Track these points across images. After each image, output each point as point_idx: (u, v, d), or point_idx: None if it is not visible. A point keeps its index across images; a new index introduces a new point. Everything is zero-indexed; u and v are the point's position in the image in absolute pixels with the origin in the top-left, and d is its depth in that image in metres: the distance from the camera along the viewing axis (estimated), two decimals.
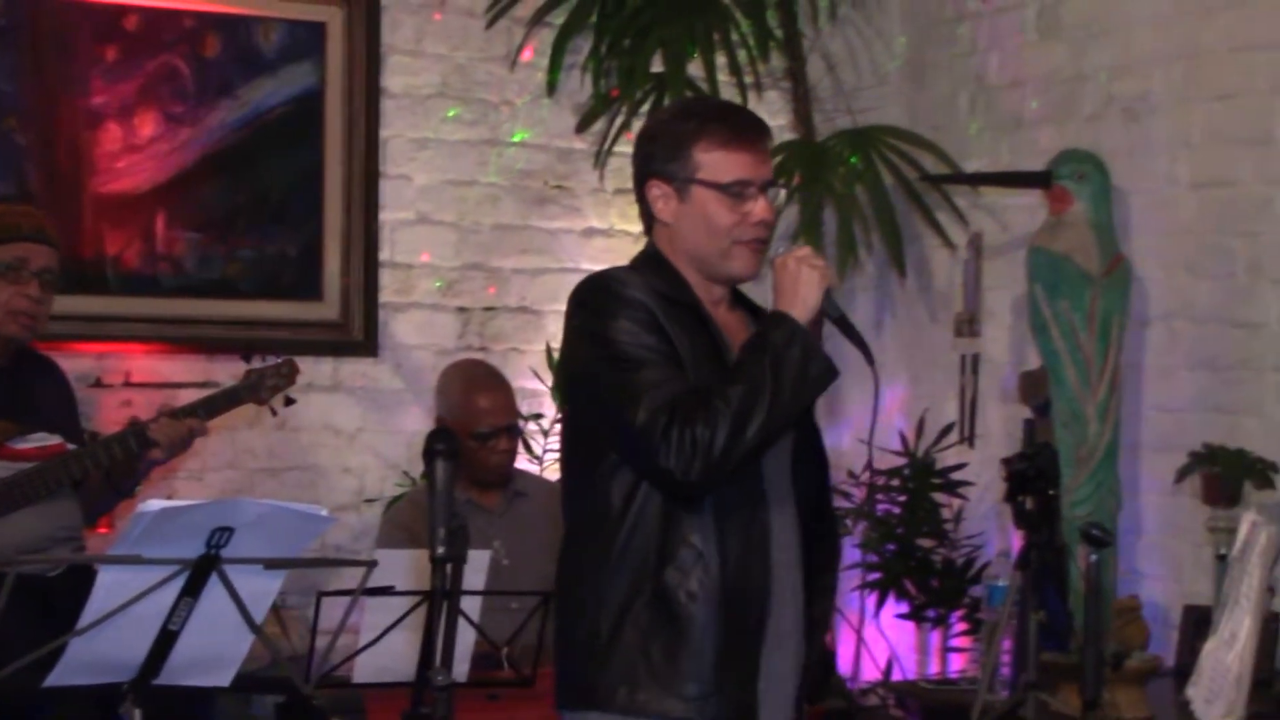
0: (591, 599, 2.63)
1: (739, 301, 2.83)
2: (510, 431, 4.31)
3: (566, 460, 2.79)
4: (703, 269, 2.74)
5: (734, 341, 2.71)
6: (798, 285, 2.66)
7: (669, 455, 2.53)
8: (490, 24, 5.14)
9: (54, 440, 3.69)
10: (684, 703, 2.60)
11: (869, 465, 2.90)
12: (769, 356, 2.59)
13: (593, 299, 2.67)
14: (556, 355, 4.93)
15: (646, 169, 2.76)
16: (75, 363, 4.47)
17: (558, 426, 4.64)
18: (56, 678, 2.83)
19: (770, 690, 2.68)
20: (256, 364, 3.92)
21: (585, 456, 2.69)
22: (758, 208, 2.71)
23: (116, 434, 3.73)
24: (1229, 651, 2.99)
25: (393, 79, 5.04)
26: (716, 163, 2.70)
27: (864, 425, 5.49)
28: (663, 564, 2.60)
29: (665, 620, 2.60)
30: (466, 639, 3.49)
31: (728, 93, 5.12)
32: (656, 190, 2.74)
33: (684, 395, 2.57)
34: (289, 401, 3.96)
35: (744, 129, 2.74)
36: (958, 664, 4.97)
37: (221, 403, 3.85)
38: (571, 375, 2.75)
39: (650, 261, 2.75)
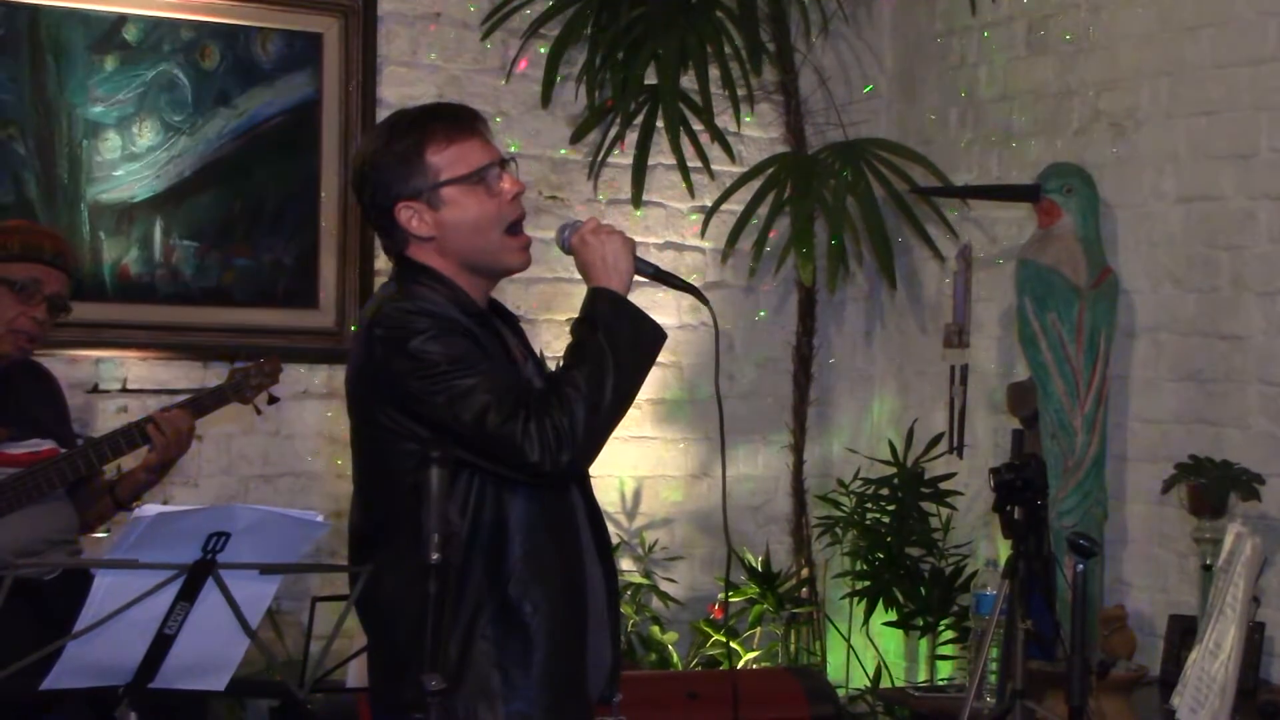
0: None
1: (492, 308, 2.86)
2: None
3: (376, 486, 2.86)
4: (477, 270, 2.76)
5: (511, 345, 2.76)
6: (605, 257, 2.71)
7: (534, 449, 2.56)
8: (485, 35, 5.17)
9: (46, 445, 3.72)
10: (543, 711, 2.65)
11: (719, 403, 2.87)
12: (601, 333, 2.63)
13: (406, 322, 2.64)
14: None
15: (387, 198, 2.71)
16: (73, 369, 4.50)
17: None
18: (53, 680, 2.84)
19: (594, 669, 2.75)
20: (240, 364, 3.95)
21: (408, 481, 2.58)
22: (507, 183, 2.73)
23: (114, 431, 3.76)
24: (1214, 661, 3.02)
25: (389, 89, 5.06)
26: (452, 159, 2.70)
27: (854, 433, 5.53)
28: (503, 578, 2.64)
29: (512, 633, 2.64)
30: None
31: (720, 105, 5.16)
32: (407, 212, 2.71)
33: (532, 390, 2.63)
34: (273, 400, 3.97)
35: (460, 119, 2.74)
36: (946, 672, 4.99)
37: (208, 402, 3.88)
38: (405, 400, 2.67)
39: (427, 277, 2.72)
